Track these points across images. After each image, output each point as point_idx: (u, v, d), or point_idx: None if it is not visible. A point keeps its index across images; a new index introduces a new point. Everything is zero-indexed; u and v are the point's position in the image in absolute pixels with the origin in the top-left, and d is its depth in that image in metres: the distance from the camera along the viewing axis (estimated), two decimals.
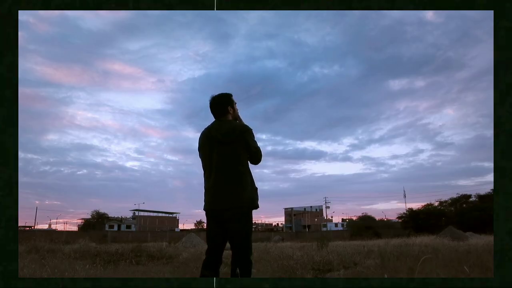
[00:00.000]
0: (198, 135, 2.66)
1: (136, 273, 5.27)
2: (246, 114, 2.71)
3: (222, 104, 2.62)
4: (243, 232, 2.43)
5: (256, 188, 2.55)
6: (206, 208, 2.51)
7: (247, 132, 2.52)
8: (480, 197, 38.74)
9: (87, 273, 4.84)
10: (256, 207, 2.51)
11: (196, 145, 2.67)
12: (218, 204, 2.43)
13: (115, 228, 59.15)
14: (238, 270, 2.35)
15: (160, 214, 71.99)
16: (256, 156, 2.53)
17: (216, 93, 2.68)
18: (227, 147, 2.47)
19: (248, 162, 2.56)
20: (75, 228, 61.25)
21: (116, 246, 11.59)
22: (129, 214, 69.72)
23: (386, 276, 3.43)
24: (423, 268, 4.34)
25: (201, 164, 2.60)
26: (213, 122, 2.62)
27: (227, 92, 2.70)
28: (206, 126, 2.65)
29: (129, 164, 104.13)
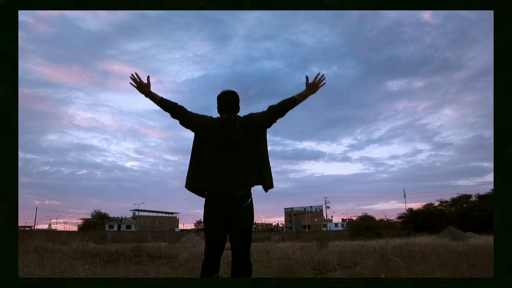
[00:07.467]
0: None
1: (136, 273, 5.27)
2: (244, 114, 2.69)
3: (238, 100, 2.62)
4: (248, 233, 2.45)
5: (270, 167, 2.62)
6: (210, 189, 2.47)
7: (252, 114, 2.60)
8: (480, 197, 38.69)
9: (87, 273, 4.84)
10: (271, 186, 2.58)
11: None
12: (227, 187, 2.43)
13: (115, 228, 59.09)
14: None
15: (160, 214, 71.95)
16: (277, 107, 2.61)
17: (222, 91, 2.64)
18: (244, 144, 2.50)
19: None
20: (75, 228, 61.33)
21: (116, 246, 11.60)
22: (129, 214, 69.77)
23: (385, 276, 3.42)
24: (423, 268, 4.34)
25: (202, 147, 2.55)
26: (228, 117, 2.55)
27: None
28: (214, 117, 2.60)
29: (128, 164, 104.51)
